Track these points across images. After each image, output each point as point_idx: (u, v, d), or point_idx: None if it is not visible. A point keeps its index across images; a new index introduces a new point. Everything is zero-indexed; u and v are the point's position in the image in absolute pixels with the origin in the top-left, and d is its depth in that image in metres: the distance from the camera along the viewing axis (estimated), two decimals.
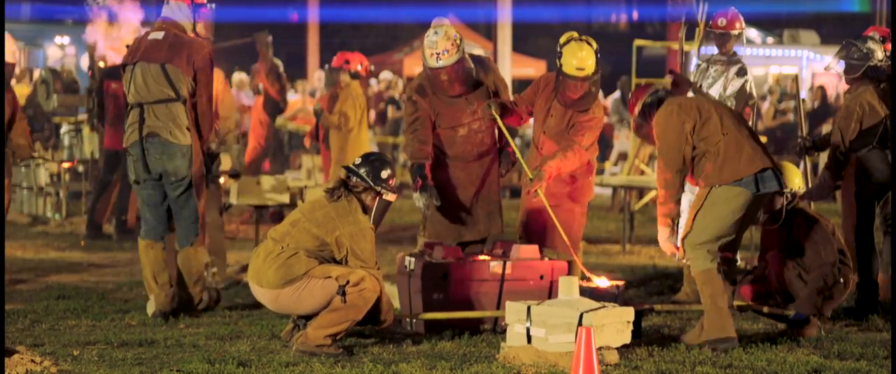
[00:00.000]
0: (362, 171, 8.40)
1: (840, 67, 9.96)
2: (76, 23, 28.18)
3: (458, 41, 9.45)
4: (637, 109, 8.80)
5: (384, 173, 8.40)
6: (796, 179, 9.20)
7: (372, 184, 8.38)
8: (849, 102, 9.84)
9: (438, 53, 9.42)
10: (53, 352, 8.17)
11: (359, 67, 14.56)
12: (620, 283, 9.23)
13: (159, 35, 9.42)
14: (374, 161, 8.48)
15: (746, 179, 8.44)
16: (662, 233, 8.63)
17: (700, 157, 8.49)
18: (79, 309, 9.82)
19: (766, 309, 9.19)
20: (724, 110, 8.67)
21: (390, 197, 8.44)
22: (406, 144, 9.75)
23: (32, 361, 7.65)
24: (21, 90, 21.22)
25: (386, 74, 27.61)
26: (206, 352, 8.17)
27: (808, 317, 8.93)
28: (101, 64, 14.31)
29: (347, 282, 8.13)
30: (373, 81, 26.73)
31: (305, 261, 8.19)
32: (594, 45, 9.43)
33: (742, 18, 10.67)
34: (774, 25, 36.96)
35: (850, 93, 9.93)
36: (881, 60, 9.86)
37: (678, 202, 8.58)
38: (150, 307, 9.49)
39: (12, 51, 11.13)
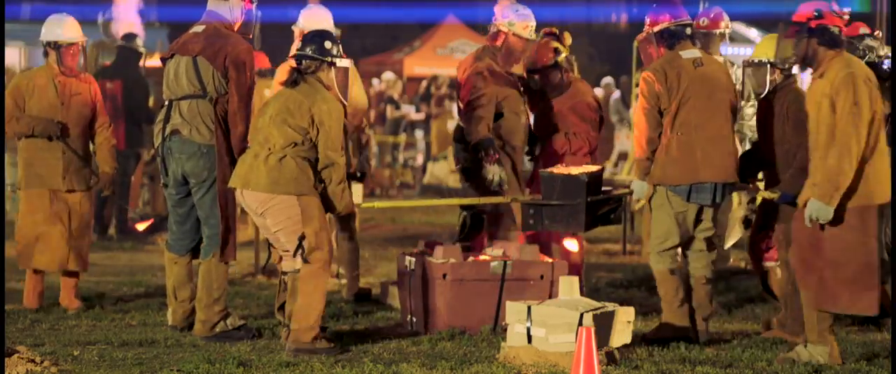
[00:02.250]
0: (307, 50, 8.44)
1: None
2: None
3: None
4: (656, 29, 8.83)
5: (328, 44, 8.45)
6: (769, 49, 9.00)
7: (322, 57, 8.41)
8: None
9: (533, 27, 9.72)
10: (53, 352, 8.17)
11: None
12: (594, 168, 9.24)
13: (200, 29, 8.94)
14: (313, 38, 8.52)
15: (681, 188, 8.61)
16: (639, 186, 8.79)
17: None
18: (79, 309, 9.81)
19: (759, 193, 9.12)
20: (701, 102, 8.64)
21: (344, 63, 8.52)
22: (470, 121, 9.57)
23: (32, 361, 7.65)
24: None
25: (387, 75, 27.60)
26: (206, 352, 8.17)
27: (794, 198, 8.90)
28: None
29: (307, 244, 8.20)
30: (375, 80, 26.73)
31: (296, 170, 8.21)
32: (567, 40, 9.98)
33: (727, 17, 10.58)
34: (774, 25, 36.94)
35: None
36: (882, 56, 9.67)
37: (653, 150, 8.67)
38: (169, 319, 9.13)
39: (79, 32, 10.01)
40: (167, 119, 8.82)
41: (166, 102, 8.89)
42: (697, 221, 8.72)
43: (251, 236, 12.24)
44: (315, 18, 10.11)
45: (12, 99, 9.83)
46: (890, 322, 9.17)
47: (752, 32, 35.58)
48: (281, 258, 8.54)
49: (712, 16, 10.61)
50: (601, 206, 9.08)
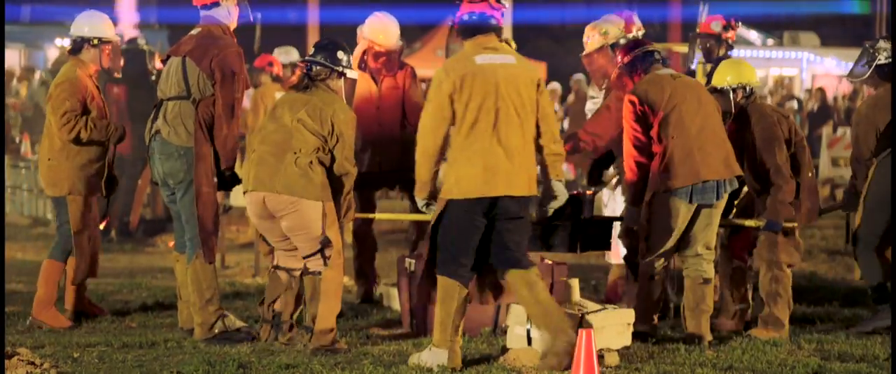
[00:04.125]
0: (320, 57, 8.52)
1: (862, 69, 9.53)
2: None
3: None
4: (626, 61, 8.84)
5: (340, 54, 8.54)
6: (749, 73, 9.13)
7: (333, 66, 8.49)
8: (863, 106, 9.49)
9: (591, 37, 9.76)
10: (53, 354, 8.17)
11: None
12: (589, 192, 9.24)
13: (196, 31, 8.90)
14: (326, 46, 8.60)
15: (682, 190, 8.56)
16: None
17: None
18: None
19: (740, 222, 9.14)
20: (692, 106, 8.65)
21: (353, 75, 8.63)
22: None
23: (32, 363, 7.65)
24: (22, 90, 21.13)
25: None
26: (205, 354, 8.17)
27: (780, 225, 8.90)
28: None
29: (328, 243, 8.28)
30: None
31: (323, 175, 8.26)
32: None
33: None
34: (774, 27, 37.03)
35: (870, 96, 9.55)
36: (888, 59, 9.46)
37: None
38: (179, 320, 9.12)
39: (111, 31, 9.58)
40: (155, 120, 8.86)
41: (157, 103, 8.90)
42: (694, 223, 8.69)
43: (251, 238, 12.25)
44: (379, 26, 10.17)
45: (78, 100, 9.26)
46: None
47: (752, 35, 35.61)
48: (272, 254, 8.61)
49: (724, 20, 10.51)
50: (595, 228, 9.07)
